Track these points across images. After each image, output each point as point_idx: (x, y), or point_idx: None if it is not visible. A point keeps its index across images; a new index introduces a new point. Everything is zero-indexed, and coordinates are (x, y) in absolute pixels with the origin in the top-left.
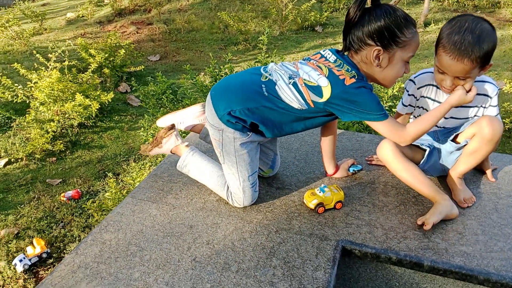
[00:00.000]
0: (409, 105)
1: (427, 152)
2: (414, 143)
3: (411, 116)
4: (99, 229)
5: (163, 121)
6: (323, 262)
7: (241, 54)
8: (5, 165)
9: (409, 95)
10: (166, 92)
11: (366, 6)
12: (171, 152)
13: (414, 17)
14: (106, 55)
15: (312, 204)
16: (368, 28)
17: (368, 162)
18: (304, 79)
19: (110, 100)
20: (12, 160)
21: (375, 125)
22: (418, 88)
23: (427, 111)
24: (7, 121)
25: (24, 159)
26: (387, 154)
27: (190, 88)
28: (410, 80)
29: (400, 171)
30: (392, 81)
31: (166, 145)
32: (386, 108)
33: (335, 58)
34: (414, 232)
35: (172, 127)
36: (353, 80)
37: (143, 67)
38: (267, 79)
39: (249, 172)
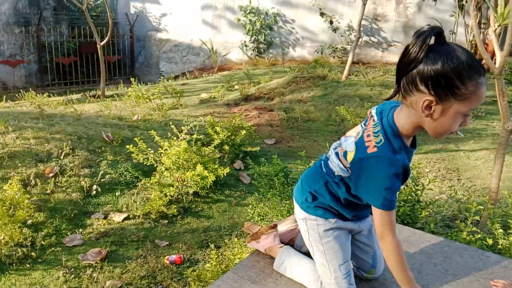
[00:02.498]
0: None
1: None
2: None
3: None
4: None
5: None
6: None
7: None
8: (123, 220)
9: None
10: (278, 175)
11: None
12: (264, 250)
13: None
14: (229, 134)
15: None
16: (423, 71)
17: (494, 286)
18: (344, 147)
19: (225, 175)
20: (131, 216)
21: (372, 208)
22: None
23: None
24: (134, 180)
25: (141, 217)
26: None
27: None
28: None
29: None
30: (442, 135)
31: (263, 241)
32: None
33: (377, 118)
34: None
35: (274, 226)
36: (375, 149)
37: (258, 148)
38: (325, 156)
39: (340, 261)
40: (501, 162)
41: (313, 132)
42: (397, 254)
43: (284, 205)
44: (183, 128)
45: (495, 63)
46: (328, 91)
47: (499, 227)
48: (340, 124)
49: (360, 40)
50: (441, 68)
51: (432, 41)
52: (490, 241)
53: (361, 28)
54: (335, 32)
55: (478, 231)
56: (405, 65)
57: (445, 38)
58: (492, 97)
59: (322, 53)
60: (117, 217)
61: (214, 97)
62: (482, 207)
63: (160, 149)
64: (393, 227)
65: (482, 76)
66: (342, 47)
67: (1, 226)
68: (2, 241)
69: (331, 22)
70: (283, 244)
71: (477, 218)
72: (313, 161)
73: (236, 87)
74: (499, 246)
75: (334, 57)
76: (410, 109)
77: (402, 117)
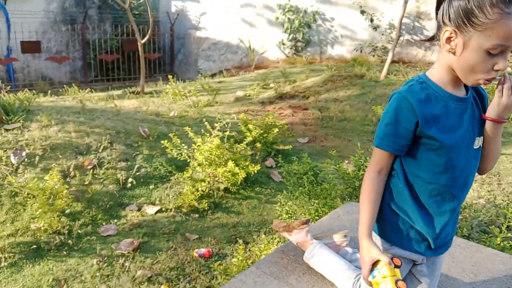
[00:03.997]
0: None
1: None
2: None
3: None
4: None
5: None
6: None
7: None
8: (156, 212)
9: None
10: (307, 173)
11: None
12: (296, 243)
13: None
14: (261, 131)
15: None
16: (447, 3)
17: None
18: None
19: (256, 172)
20: (163, 209)
21: None
22: None
23: None
24: (168, 174)
25: (173, 210)
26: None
27: (332, 173)
28: None
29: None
30: (471, 76)
31: (295, 236)
32: None
33: None
34: None
35: (307, 222)
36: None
37: (291, 146)
38: None
39: None
40: None
41: (348, 132)
42: (364, 192)
43: (312, 204)
44: (216, 125)
45: None
46: (365, 90)
47: None
48: (376, 124)
49: (402, 38)
50: None
51: None
52: None
53: (403, 26)
54: (376, 30)
55: None
56: (438, 0)
57: None
58: None
59: (361, 52)
60: (150, 210)
61: (249, 95)
62: None
63: (193, 145)
64: (375, 165)
65: (507, 6)
66: (382, 46)
67: (41, 214)
68: (42, 228)
69: (371, 20)
70: (315, 240)
71: None
72: (346, 162)
73: (271, 85)
74: None
75: (373, 56)
76: (440, 51)
77: (435, 64)
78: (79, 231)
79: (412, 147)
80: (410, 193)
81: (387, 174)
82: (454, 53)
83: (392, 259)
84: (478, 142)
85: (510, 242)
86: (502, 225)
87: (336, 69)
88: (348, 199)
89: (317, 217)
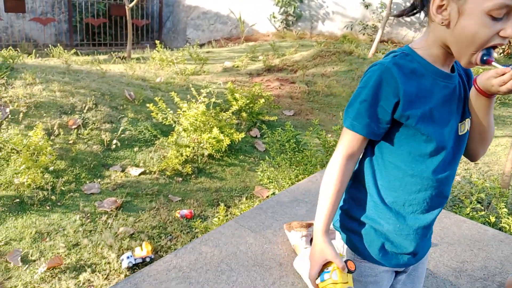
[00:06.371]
0: None
1: None
2: None
3: None
4: (200, 240)
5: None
6: None
7: None
8: (140, 174)
9: None
10: (290, 141)
11: None
12: (292, 245)
13: None
14: (248, 101)
15: None
16: None
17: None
18: None
19: (240, 140)
20: (147, 171)
21: None
22: None
23: None
24: (152, 138)
25: (157, 173)
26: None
27: (314, 144)
28: None
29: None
30: (466, 48)
31: (291, 236)
32: None
33: None
34: None
35: (307, 226)
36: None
37: (276, 118)
38: None
39: None
40: None
41: (333, 107)
42: (327, 179)
43: (293, 170)
44: (202, 91)
45: None
46: (352, 67)
47: (504, 206)
48: None
49: (392, 18)
50: None
51: None
52: (492, 219)
53: (394, 6)
54: (367, 9)
55: (482, 208)
56: None
57: None
58: None
59: (351, 29)
60: (134, 171)
61: (237, 66)
62: (492, 189)
63: (179, 110)
64: (344, 150)
65: None
66: (373, 25)
67: (24, 170)
68: (25, 183)
69: None
70: (309, 246)
71: (490, 200)
72: (330, 135)
73: (260, 58)
74: (501, 224)
75: (364, 34)
76: (429, 24)
77: (422, 36)
78: (63, 188)
79: (390, 131)
80: (379, 188)
81: (356, 161)
82: (447, 25)
83: (346, 262)
84: (465, 126)
85: (479, 212)
86: (472, 196)
87: (326, 45)
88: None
89: (296, 182)
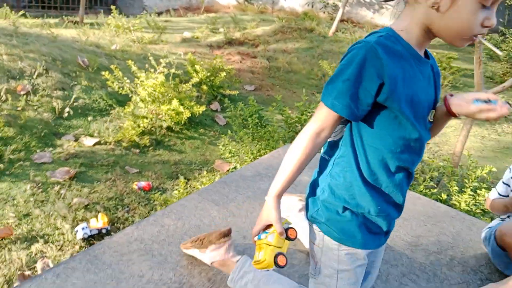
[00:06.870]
0: (505, 195)
1: None
2: None
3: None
4: (162, 213)
5: None
6: None
7: None
8: (94, 144)
9: (504, 183)
10: (252, 116)
11: None
12: (211, 264)
13: None
14: (208, 74)
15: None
16: None
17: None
18: None
19: (200, 113)
20: (102, 142)
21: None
22: None
23: None
24: (108, 108)
25: (112, 144)
26: None
27: (275, 120)
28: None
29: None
30: (459, 36)
31: (211, 253)
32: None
33: None
34: None
35: (228, 233)
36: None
37: (237, 92)
38: None
39: None
40: (468, 129)
41: (294, 84)
42: (294, 149)
43: (255, 144)
44: (162, 61)
45: None
46: (313, 44)
47: (455, 185)
48: (321, 79)
49: None
50: None
51: None
52: (444, 196)
53: None
54: None
55: (435, 185)
56: None
57: None
58: (472, 70)
59: (312, 7)
60: (88, 141)
61: (197, 37)
62: (444, 168)
63: (136, 79)
64: (316, 124)
65: None
66: (333, 3)
67: None
68: None
69: None
70: (240, 256)
71: (440, 178)
72: (291, 111)
73: (221, 30)
74: (452, 201)
75: (324, 12)
76: (412, 5)
77: (402, 18)
78: (11, 157)
79: (370, 114)
80: (362, 170)
81: (327, 138)
82: (437, 9)
83: (287, 230)
84: (431, 115)
85: (431, 190)
86: (424, 175)
87: (287, 21)
88: (290, 142)
89: (259, 157)
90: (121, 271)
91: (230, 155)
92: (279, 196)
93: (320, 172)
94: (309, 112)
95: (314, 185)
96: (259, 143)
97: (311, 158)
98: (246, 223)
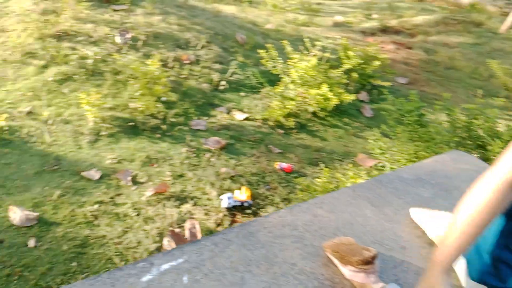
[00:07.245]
0: None
1: None
2: None
3: None
4: (314, 202)
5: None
6: None
7: (499, 110)
8: (244, 119)
9: None
10: (412, 112)
11: None
12: (350, 280)
13: None
14: (361, 61)
15: None
16: None
17: None
18: None
19: (349, 101)
20: (250, 118)
21: None
22: None
23: None
24: (258, 85)
25: (260, 121)
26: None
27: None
28: None
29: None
30: None
31: (349, 272)
32: None
33: None
34: None
35: (372, 260)
36: None
37: (390, 84)
38: None
39: None
40: None
41: (453, 82)
42: (472, 203)
43: (412, 145)
44: (317, 43)
45: None
46: (481, 40)
47: None
48: (487, 80)
49: None
50: None
51: None
52: None
53: None
54: None
55: None
56: None
57: None
58: None
59: None
60: (239, 116)
61: (349, 22)
62: None
63: (289, 60)
64: (508, 173)
65: None
66: None
67: (140, 96)
68: (139, 109)
69: None
70: (382, 284)
71: None
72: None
73: (374, 16)
74: None
75: (494, 5)
76: None
77: None
78: (172, 119)
79: None
80: None
81: None
82: None
83: None
84: None
85: None
86: None
87: (451, 12)
88: (455, 148)
89: (415, 159)
90: (275, 254)
91: (380, 152)
92: (448, 265)
93: None
94: (485, 119)
95: None
96: (416, 143)
97: (496, 215)
98: (405, 232)
